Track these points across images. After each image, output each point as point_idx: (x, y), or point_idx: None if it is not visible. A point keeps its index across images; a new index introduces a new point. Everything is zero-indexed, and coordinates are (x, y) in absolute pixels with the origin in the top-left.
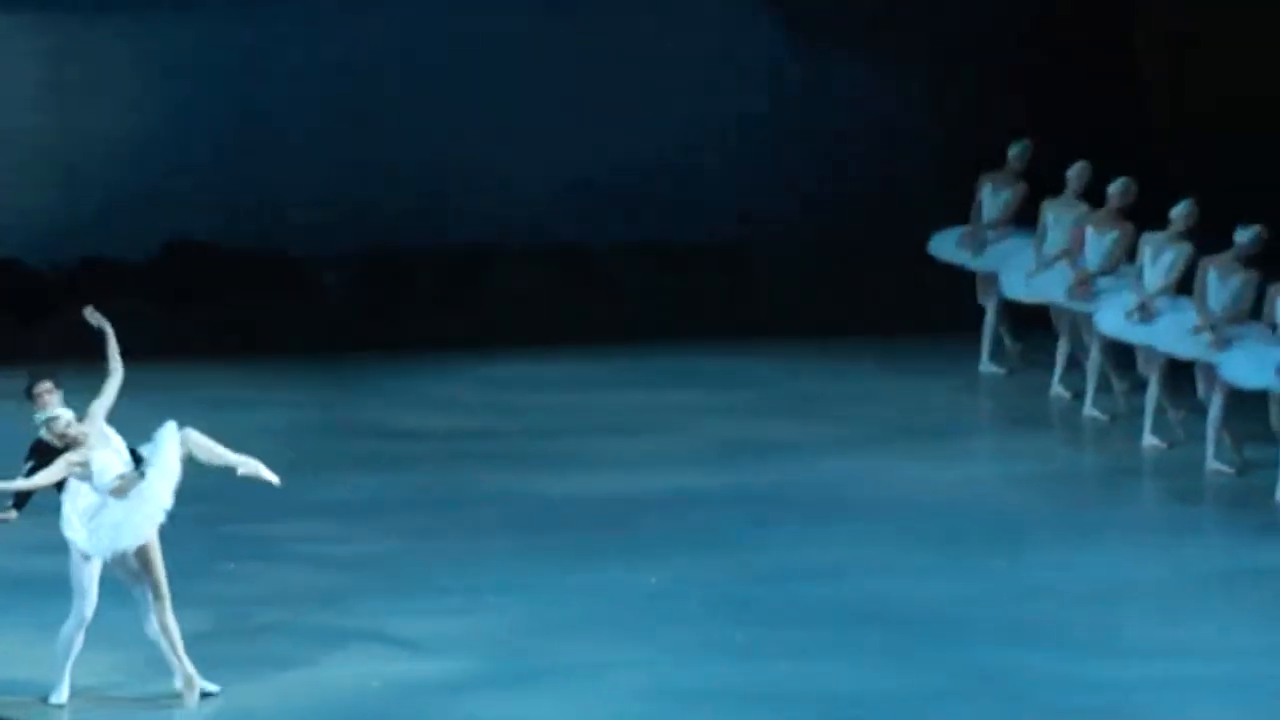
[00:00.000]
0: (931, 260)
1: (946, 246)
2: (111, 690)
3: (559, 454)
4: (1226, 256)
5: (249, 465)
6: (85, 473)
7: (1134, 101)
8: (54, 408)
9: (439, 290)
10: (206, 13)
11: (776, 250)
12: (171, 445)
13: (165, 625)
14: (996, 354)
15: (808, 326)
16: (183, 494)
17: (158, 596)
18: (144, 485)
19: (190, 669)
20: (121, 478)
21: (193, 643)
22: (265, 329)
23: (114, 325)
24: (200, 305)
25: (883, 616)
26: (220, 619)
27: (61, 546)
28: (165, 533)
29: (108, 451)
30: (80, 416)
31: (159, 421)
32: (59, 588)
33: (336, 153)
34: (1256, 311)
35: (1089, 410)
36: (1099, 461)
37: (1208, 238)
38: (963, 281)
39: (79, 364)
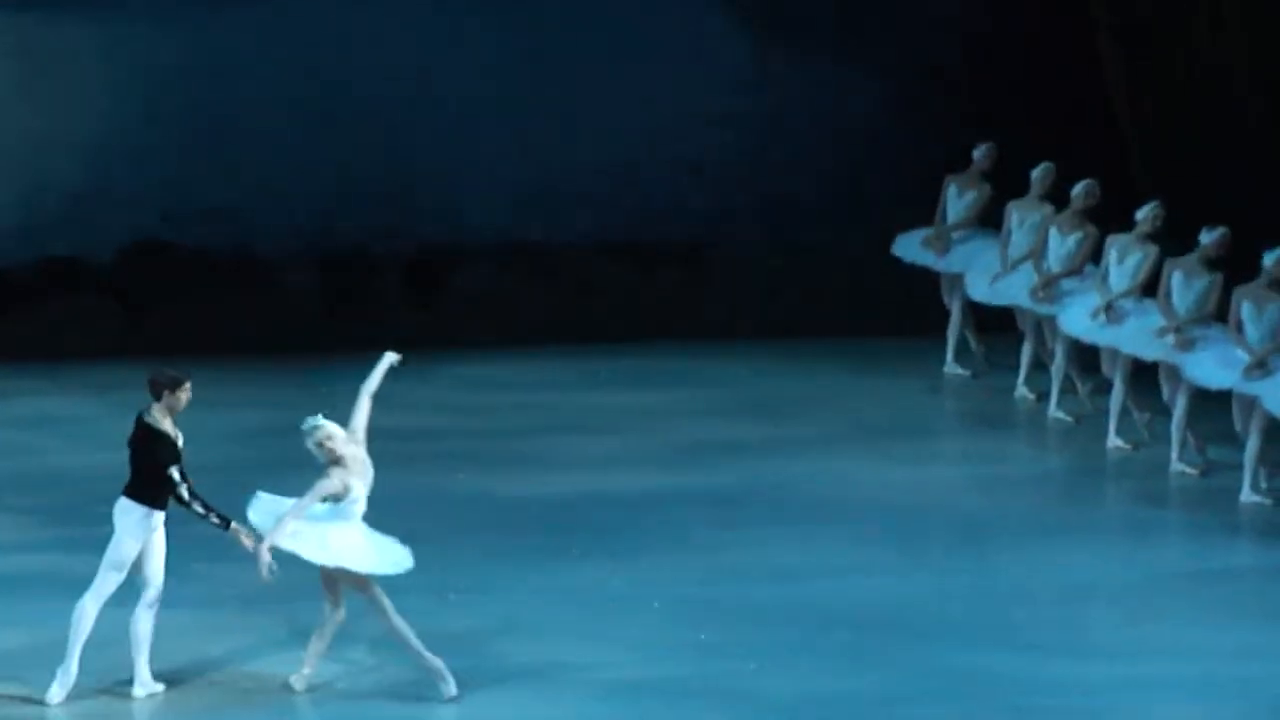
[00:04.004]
0: (896, 261)
1: (911, 247)
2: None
3: (523, 454)
4: (1191, 258)
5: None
6: (338, 498)
7: (1098, 102)
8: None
9: (405, 290)
10: (171, 13)
11: (741, 251)
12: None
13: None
14: (961, 355)
15: (772, 327)
16: None
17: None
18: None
19: (436, 662)
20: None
21: (160, 641)
22: (230, 329)
23: (78, 326)
24: (165, 306)
25: (845, 617)
26: (188, 619)
27: (45, 546)
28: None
29: (363, 484)
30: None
31: (122, 421)
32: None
33: (302, 153)
34: (1221, 313)
35: (1053, 412)
36: (1063, 463)
37: (1172, 240)
38: (927, 282)
39: (42, 364)
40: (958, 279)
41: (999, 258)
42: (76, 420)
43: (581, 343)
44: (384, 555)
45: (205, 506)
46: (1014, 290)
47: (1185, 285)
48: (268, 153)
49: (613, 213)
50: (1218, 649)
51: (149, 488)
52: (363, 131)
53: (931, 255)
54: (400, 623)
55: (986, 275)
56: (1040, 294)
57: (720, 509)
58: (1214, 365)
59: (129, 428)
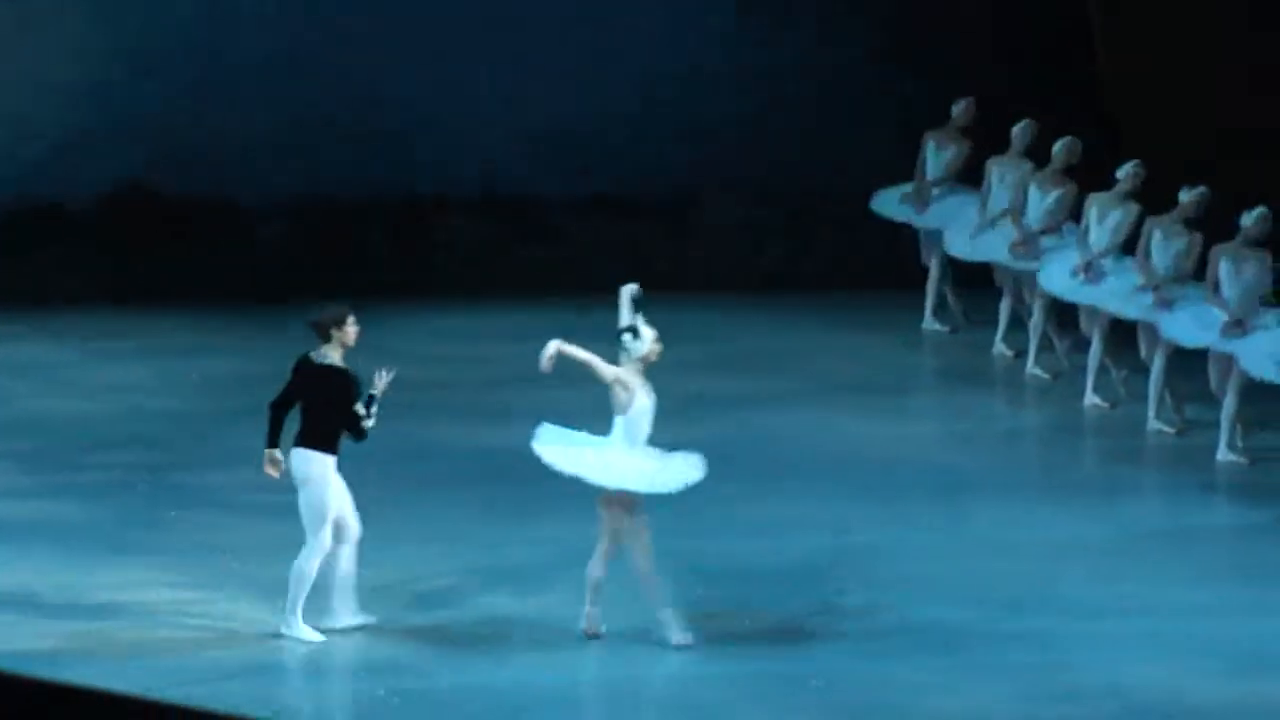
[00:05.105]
0: (875, 217)
1: (890, 203)
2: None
3: (504, 406)
4: (1170, 217)
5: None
6: (621, 398)
7: (1080, 59)
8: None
9: (385, 240)
10: None
11: (722, 204)
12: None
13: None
14: (939, 311)
15: (752, 281)
16: (127, 441)
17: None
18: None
19: (669, 615)
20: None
21: (129, 590)
22: (210, 277)
23: (58, 272)
24: (145, 254)
25: (821, 571)
26: (161, 567)
27: (27, 493)
28: (109, 479)
29: (649, 404)
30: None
31: (99, 368)
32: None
33: (284, 101)
34: (1200, 273)
35: (1031, 369)
36: (1041, 420)
37: (1152, 198)
38: (906, 238)
39: (22, 309)
40: (936, 235)
41: (978, 214)
42: (58, 366)
43: (563, 295)
44: (664, 473)
45: (371, 415)
46: (993, 247)
47: (1164, 244)
48: (251, 101)
49: (596, 165)
50: (1192, 606)
51: (327, 434)
52: (347, 80)
53: (911, 211)
54: (651, 565)
55: (965, 231)
56: (1019, 251)
57: None
58: (1191, 324)
59: (110, 374)
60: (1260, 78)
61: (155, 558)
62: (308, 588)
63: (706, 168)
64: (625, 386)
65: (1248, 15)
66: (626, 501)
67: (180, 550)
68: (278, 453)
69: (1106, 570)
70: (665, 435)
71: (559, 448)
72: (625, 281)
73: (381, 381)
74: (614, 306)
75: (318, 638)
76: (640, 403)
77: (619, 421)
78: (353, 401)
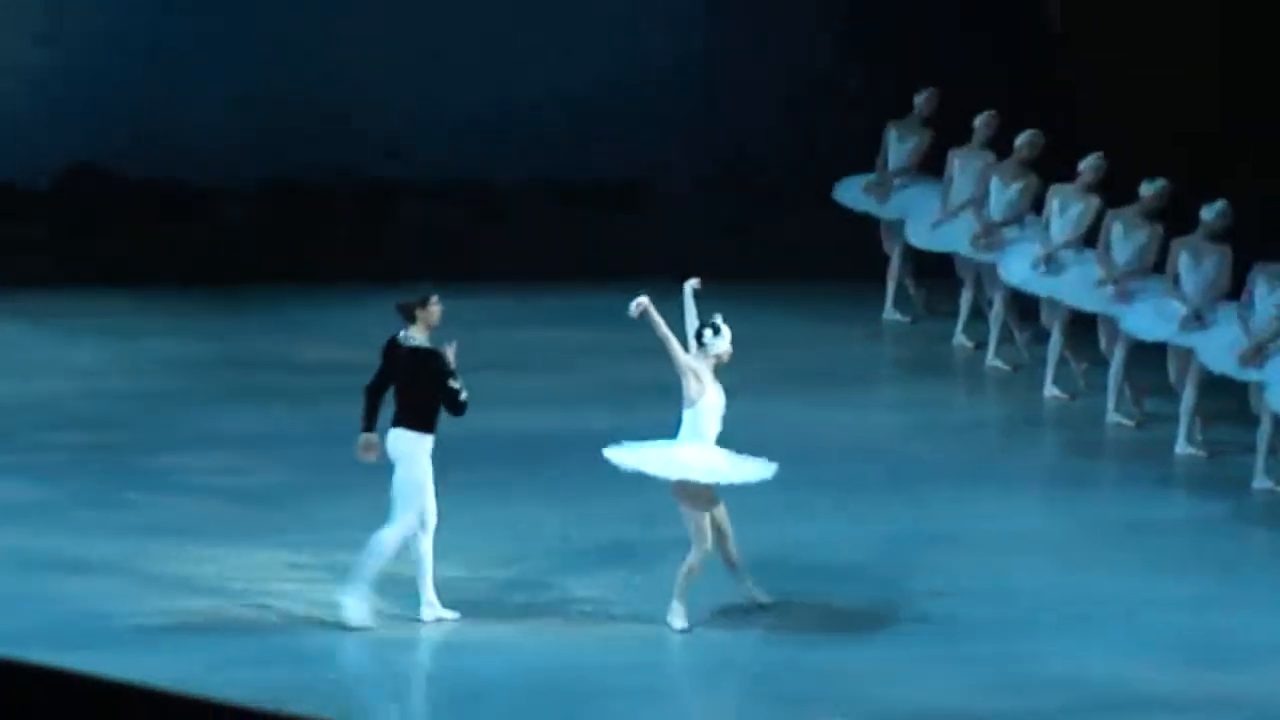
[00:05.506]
0: (836, 206)
1: (852, 193)
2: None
3: (478, 391)
4: (1132, 210)
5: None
6: (693, 389)
7: (1044, 51)
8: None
9: (344, 224)
10: None
11: (682, 191)
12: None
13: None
14: (900, 301)
15: (711, 269)
16: (86, 422)
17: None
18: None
19: (754, 591)
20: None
21: (91, 571)
22: (169, 259)
23: (14, 253)
24: (103, 234)
25: (779, 562)
26: (120, 548)
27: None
28: (64, 460)
29: (719, 400)
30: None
31: (55, 348)
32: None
33: (244, 83)
34: (1161, 265)
35: (991, 360)
36: (1000, 411)
37: (1113, 191)
38: (867, 228)
39: None
40: (898, 225)
41: (940, 205)
42: (13, 346)
43: (521, 280)
44: (732, 466)
45: (462, 388)
46: (954, 238)
47: (1125, 237)
48: (210, 80)
49: (554, 150)
50: (1149, 599)
51: (423, 413)
52: (306, 62)
53: (872, 201)
54: (697, 565)
55: (927, 222)
56: (981, 242)
57: None
58: (1151, 317)
59: (67, 354)
60: (1224, 72)
61: (112, 539)
62: (379, 564)
63: (665, 154)
64: (698, 377)
65: (1212, 8)
66: (691, 495)
67: (138, 532)
68: (373, 437)
69: (1064, 562)
70: (621, 420)
71: (626, 450)
72: (584, 266)
73: (450, 354)
74: (562, 292)
75: (367, 623)
76: (710, 397)
77: (686, 416)
78: (446, 379)
